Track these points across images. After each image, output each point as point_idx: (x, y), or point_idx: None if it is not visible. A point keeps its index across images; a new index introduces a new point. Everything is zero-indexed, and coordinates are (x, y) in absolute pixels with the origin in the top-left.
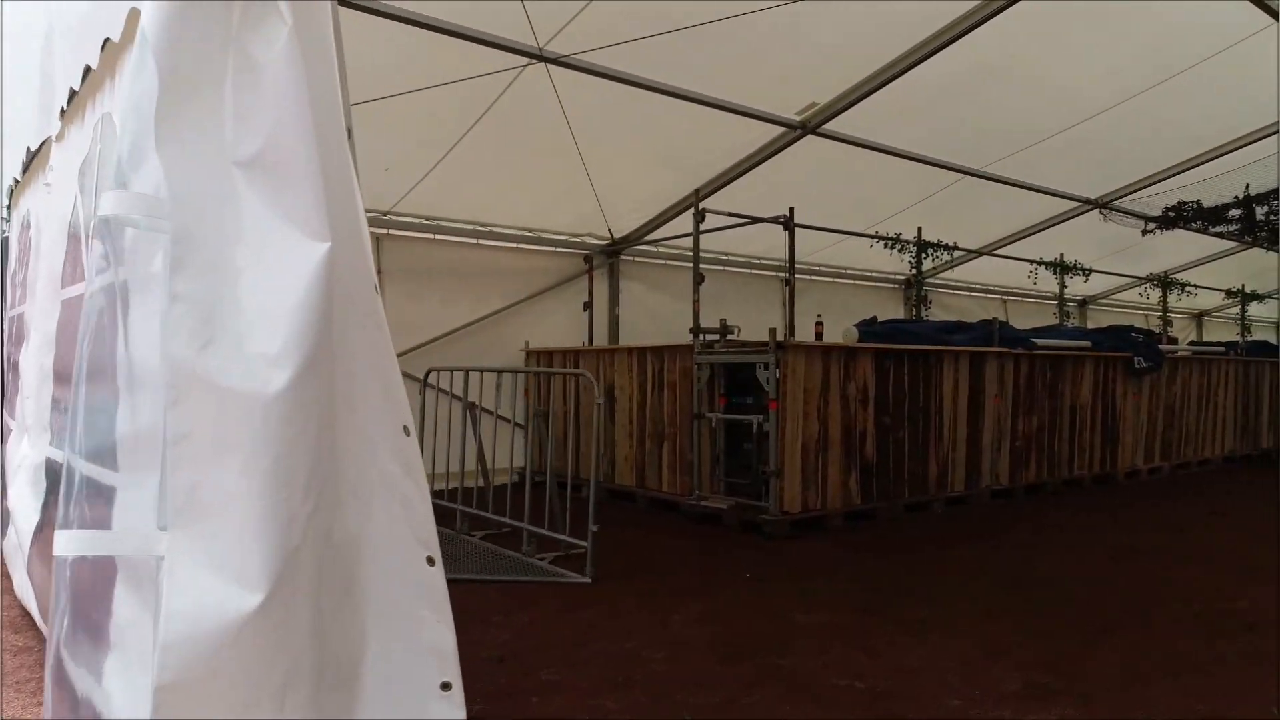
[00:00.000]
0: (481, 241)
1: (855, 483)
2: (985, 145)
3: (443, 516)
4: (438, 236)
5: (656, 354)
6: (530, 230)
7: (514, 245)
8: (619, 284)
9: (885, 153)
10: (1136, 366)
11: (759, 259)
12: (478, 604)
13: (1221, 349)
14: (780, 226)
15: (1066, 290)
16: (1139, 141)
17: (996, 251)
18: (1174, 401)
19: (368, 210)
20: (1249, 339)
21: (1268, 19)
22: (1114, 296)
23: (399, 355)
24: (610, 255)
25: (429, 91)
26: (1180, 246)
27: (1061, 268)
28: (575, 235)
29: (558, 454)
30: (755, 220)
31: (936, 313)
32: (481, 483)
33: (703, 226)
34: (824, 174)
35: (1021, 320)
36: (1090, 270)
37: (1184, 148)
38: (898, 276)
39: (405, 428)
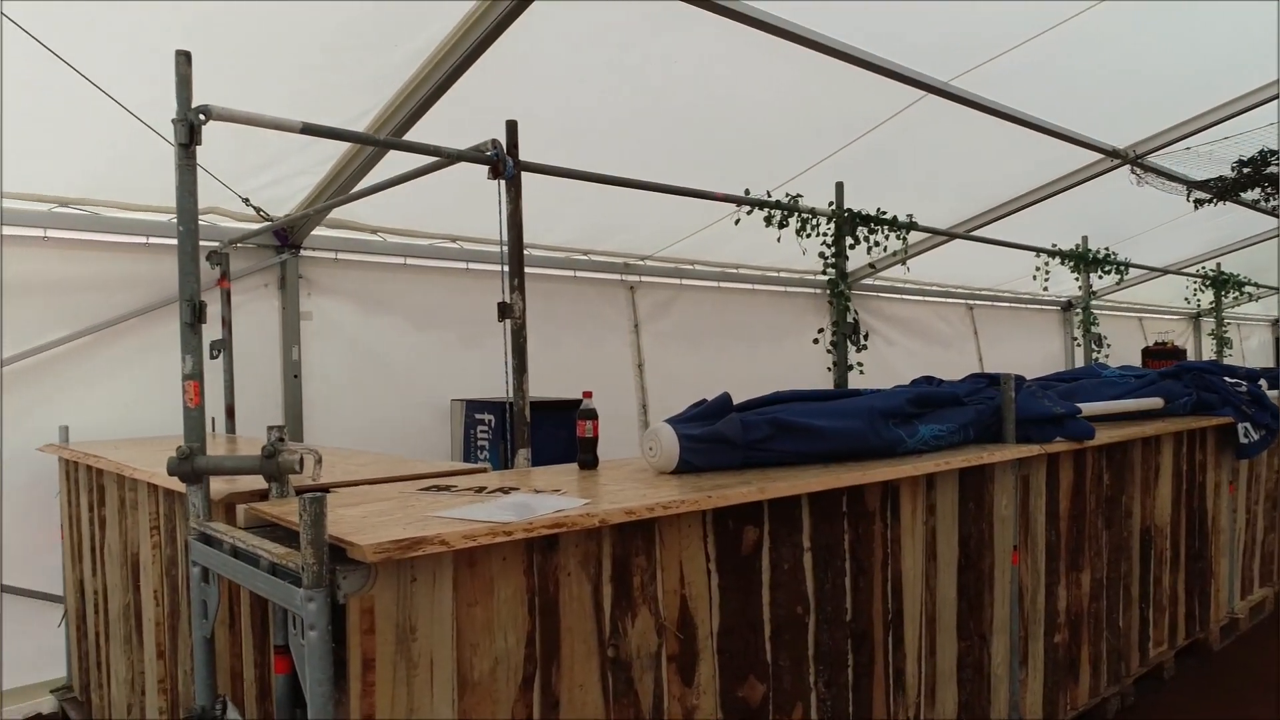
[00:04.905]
0: None
1: None
2: (944, 44)
3: None
4: None
5: (171, 502)
6: (67, 200)
7: (36, 232)
8: (298, 304)
9: (763, 28)
10: (1244, 441)
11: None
12: None
13: None
14: (487, 170)
15: (1050, 292)
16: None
17: (975, 232)
18: (1275, 487)
19: None
20: None
21: None
22: (1105, 296)
23: None
24: (281, 250)
25: None
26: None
27: (1087, 261)
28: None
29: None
30: (449, 156)
31: (881, 331)
32: None
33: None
34: (651, 83)
35: (995, 340)
36: (1127, 264)
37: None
38: (822, 278)
39: None
